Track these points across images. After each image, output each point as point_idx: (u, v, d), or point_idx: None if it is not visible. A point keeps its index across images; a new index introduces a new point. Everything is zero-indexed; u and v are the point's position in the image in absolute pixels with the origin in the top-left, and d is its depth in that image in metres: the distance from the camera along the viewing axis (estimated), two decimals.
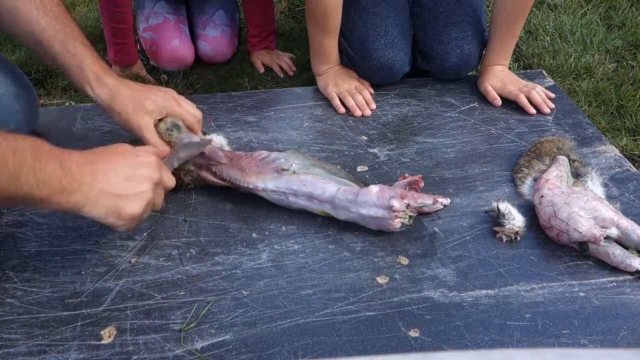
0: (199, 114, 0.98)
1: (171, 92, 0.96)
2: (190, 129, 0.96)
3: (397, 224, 0.86)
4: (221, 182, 0.95)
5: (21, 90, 1.02)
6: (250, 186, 0.92)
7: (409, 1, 1.32)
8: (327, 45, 1.24)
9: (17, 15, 0.87)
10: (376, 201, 0.86)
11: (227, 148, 1.01)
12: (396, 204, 0.85)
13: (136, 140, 1.10)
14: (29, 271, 0.83)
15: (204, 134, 1.02)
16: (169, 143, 0.92)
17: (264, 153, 0.95)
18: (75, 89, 1.40)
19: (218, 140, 1.01)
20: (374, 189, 0.88)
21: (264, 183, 0.91)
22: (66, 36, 0.89)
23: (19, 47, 1.58)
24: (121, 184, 0.73)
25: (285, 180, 0.91)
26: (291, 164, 0.92)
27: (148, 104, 0.91)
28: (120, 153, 0.77)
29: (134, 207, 0.74)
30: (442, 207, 0.93)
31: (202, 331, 0.75)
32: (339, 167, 0.99)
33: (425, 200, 0.91)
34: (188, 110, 0.96)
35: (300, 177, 0.90)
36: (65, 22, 0.90)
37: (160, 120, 0.93)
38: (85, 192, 0.69)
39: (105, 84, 0.90)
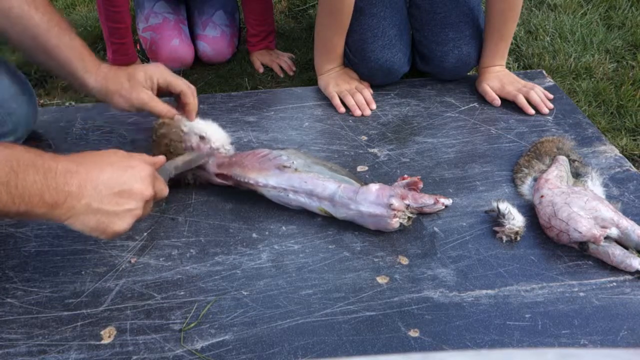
0: (192, 86, 1.00)
1: (161, 64, 0.99)
2: (184, 99, 0.97)
3: (395, 223, 0.86)
4: (222, 181, 0.95)
5: (18, 90, 1.02)
6: (251, 182, 0.92)
7: (406, 2, 1.32)
8: (338, 43, 1.25)
9: (9, 11, 0.87)
10: (375, 199, 0.86)
11: (228, 145, 1.00)
12: (395, 202, 0.85)
13: (136, 139, 1.10)
14: (29, 271, 0.83)
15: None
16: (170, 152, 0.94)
17: (266, 150, 0.95)
18: (73, 86, 1.40)
19: (221, 137, 1.00)
20: (374, 187, 0.88)
21: (265, 179, 0.91)
22: (61, 29, 0.91)
23: None
24: (110, 199, 0.69)
25: (287, 177, 0.91)
26: (293, 162, 0.92)
27: (140, 76, 0.94)
28: (113, 163, 0.72)
29: (121, 224, 0.70)
30: (444, 207, 0.93)
31: (202, 331, 0.75)
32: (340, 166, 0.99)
33: (426, 201, 0.91)
34: (182, 80, 0.99)
35: (301, 175, 0.90)
36: (56, 17, 0.91)
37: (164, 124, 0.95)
38: (71, 205, 0.66)
39: (102, 71, 0.94)
